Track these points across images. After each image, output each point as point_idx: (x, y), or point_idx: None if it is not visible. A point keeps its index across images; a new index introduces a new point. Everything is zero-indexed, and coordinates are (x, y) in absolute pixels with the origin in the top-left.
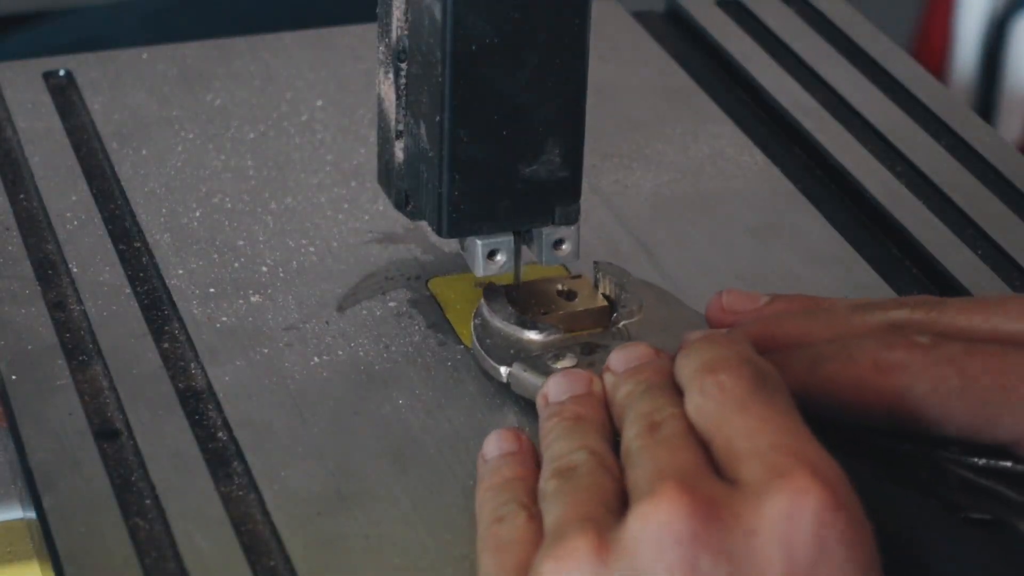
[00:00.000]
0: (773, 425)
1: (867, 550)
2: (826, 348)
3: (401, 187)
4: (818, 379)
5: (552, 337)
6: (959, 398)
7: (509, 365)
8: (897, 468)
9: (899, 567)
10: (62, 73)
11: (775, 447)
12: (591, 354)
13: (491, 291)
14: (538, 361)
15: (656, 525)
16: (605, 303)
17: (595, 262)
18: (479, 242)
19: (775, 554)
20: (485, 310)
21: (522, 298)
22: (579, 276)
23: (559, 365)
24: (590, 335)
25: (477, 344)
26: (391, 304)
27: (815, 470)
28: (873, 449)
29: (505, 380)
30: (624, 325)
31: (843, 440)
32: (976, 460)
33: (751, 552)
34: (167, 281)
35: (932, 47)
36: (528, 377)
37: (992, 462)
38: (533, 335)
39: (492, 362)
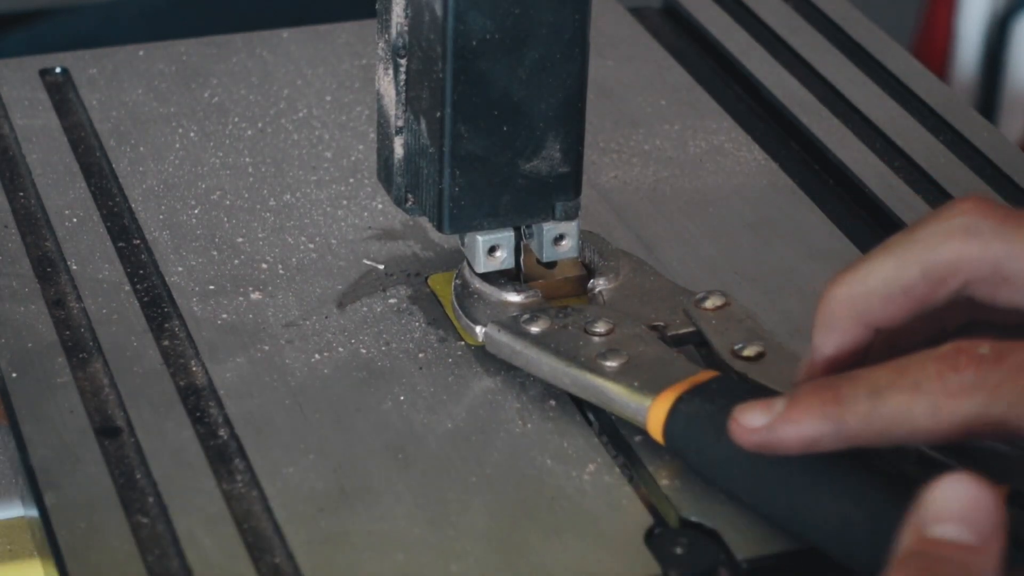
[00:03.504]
0: None
1: None
2: (884, 377)
3: (401, 183)
4: (883, 413)
5: (530, 299)
6: None
7: (484, 325)
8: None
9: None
10: (59, 70)
11: None
12: (565, 317)
13: None
14: (513, 322)
15: None
16: (584, 271)
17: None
18: (480, 238)
19: None
20: (466, 271)
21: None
22: None
23: (534, 328)
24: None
25: (456, 303)
26: (391, 301)
27: None
28: None
29: (480, 340)
30: (600, 291)
31: None
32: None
33: None
34: (167, 278)
35: (934, 46)
36: (502, 338)
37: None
38: (511, 296)
39: (468, 321)
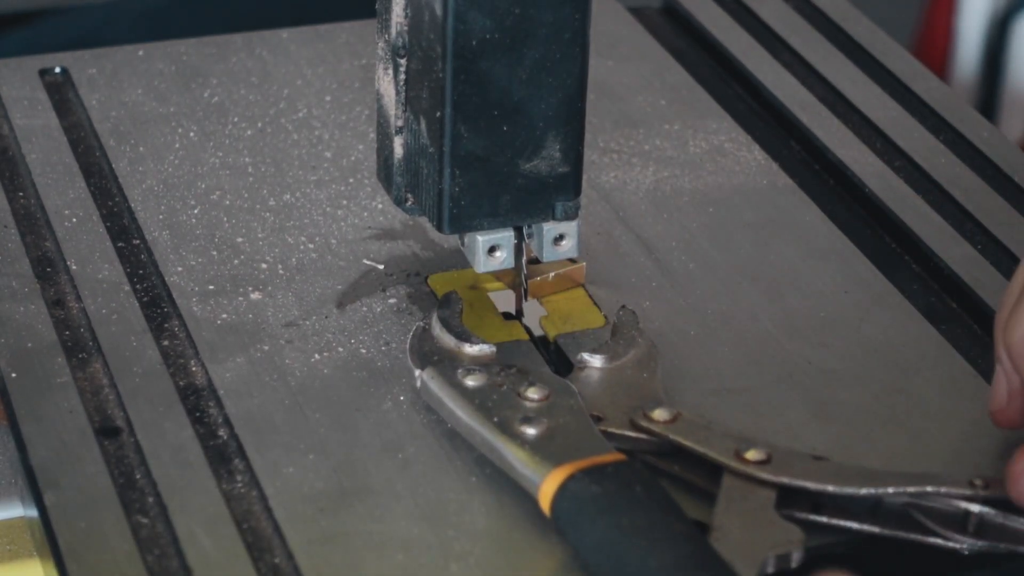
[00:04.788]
0: None
1: None
2: None
3: (401, 183)
4: None
5: (482, 353)
6: None
7: (423, 369)
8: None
9: None
10: (58, 70)
11: None
12: (506, 376)
13: (447, 300)
14: (450, 371)
15: None
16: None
17: (623, 308)
18: (480, 238)
19: None
20: (434, 318)
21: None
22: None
23: (469, 381)
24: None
25: (409, 344)
26: (391, 301)
27: None
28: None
29: (417, 386)
30: (586, 368)
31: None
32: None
33: None
34: (166, 278)
35: (934, 46)
36: (433, 386)
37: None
38: (465, 347)
39: (411, 363)
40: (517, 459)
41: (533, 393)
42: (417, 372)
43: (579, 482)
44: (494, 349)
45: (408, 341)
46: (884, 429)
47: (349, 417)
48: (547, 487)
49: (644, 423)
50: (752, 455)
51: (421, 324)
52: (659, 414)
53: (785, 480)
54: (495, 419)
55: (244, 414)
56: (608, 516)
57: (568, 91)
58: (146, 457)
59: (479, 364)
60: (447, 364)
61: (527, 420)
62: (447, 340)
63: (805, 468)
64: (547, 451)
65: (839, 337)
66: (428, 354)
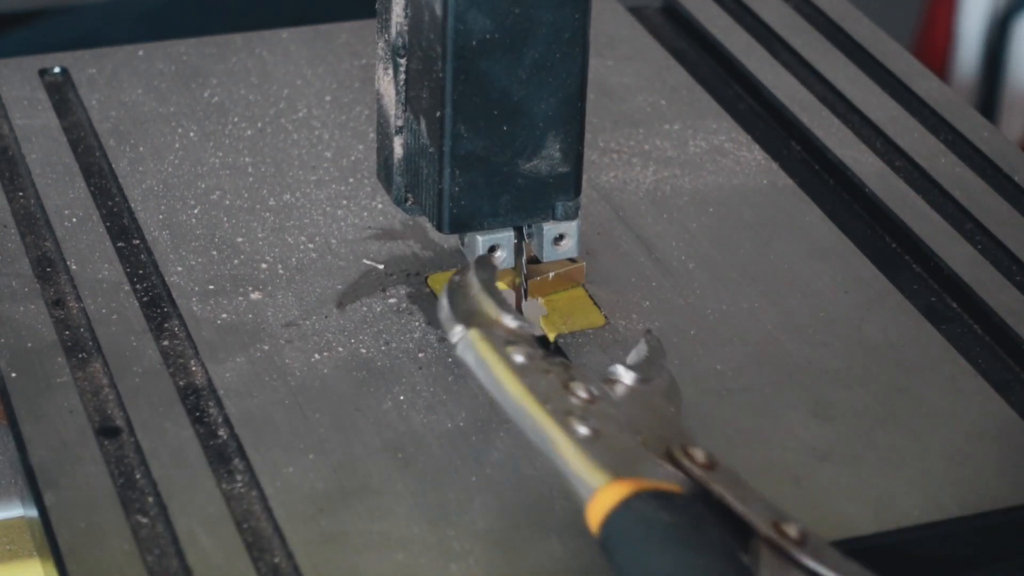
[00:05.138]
0: None
1: None
2: None
3: (400, 183)
4: None
5: (524, 331)
6: None
7: (467, 327)
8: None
9: None
10: (58, 70)
11: None
12: (550, 364)
13: (483, 263)
14: (498, 339)
15: None
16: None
17: (648, 332)
18: (480, 238)
19: None
20: (472, 272)
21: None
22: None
23: (517, 356)
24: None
25: (448, 295)
26: (391, 300)
27: None
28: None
29: (454, 340)
30: (619, 380)
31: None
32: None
33: None
34: (166, 278)
35: (934, 46)
36: (481, 349)
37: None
38: (507, 318)
39: (449, 314)
40: (570, 457)
41: (580, 391)
42: (458, 328)
43: (646, 504)
44: (534, 330)
45: (444, 292)
46: (884, 429)
47: (349, 417)
48: (604, 499)
49: (684, 461)
50: (790, 531)
51: (456, 279)
52: (698, 455)
53: (822, 571)
54: (548, 406)
55: (244, 414)
56: (680, 550)
57: (568, 91)
58: (146, 457)
59: (520, 339)
60: (490, 330)
61: (579, 417)
62: (488, 306)
63: (836, 561)
64: (604, 459)
65: (839, 337)
66: (467, 313)
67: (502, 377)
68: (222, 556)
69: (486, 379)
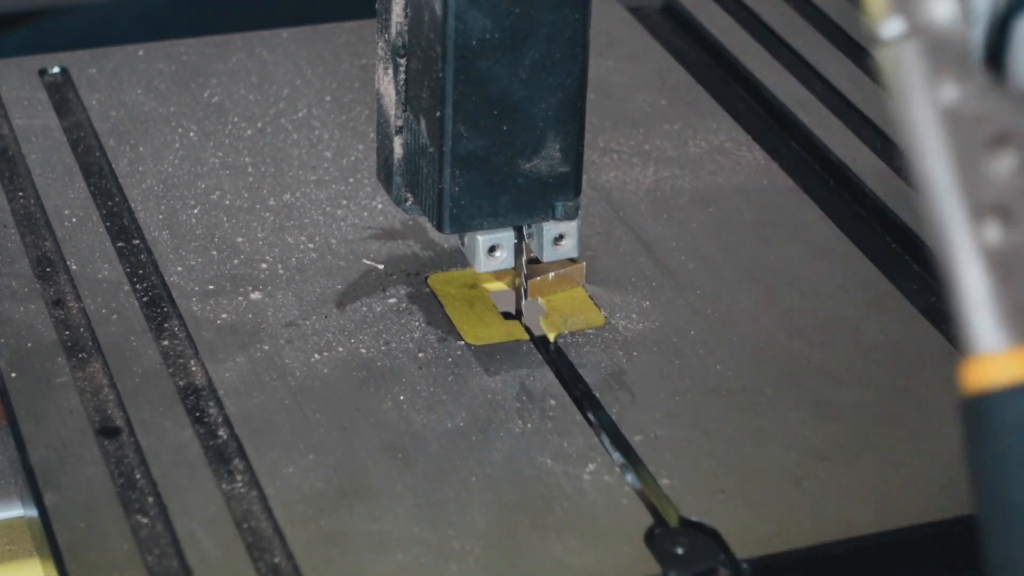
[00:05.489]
0: None
1: None
2: None
3: (400, 183)
4: None
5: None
6: None
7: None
8: None
9: None
10: (58, 70)
11: None
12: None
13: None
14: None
15: None
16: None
17: None
18: (480, 238)
19: None
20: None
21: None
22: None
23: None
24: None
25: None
26: (391, 300)
27: None
28: None
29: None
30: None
31: None
32: None
33: None
34: (166, 278)
35: None
36: (925, 65)
37: None
38: None
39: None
40: (974, 280)
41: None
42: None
43: None
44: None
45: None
46: (884, 429)
47: (349, 417)
48: (1010, 366)
49: None
50: None
51: None
52: None
53: None
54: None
55: (244, 414)
56: None
57: (568, 91)
58: (146, 457)
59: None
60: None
61: (995, 209)
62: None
63: None
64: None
65: (839, 337)
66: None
67: (929, 122)
68: (222, 556)
69: (901, 105)
